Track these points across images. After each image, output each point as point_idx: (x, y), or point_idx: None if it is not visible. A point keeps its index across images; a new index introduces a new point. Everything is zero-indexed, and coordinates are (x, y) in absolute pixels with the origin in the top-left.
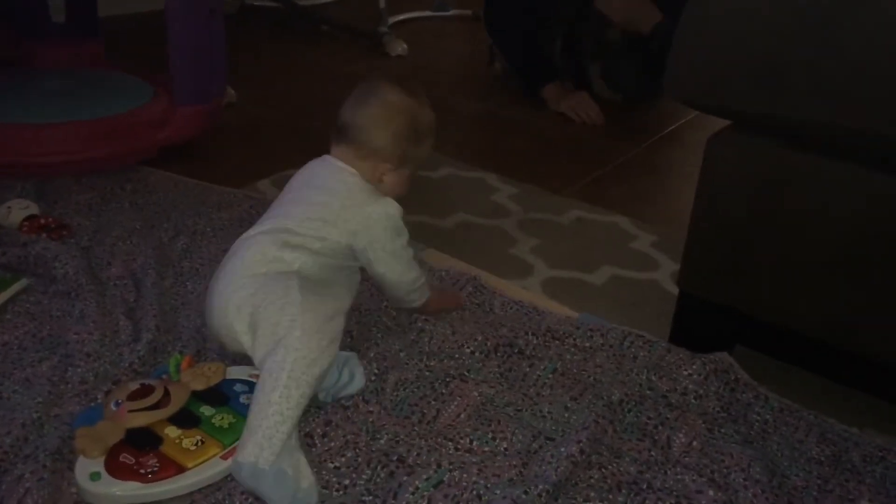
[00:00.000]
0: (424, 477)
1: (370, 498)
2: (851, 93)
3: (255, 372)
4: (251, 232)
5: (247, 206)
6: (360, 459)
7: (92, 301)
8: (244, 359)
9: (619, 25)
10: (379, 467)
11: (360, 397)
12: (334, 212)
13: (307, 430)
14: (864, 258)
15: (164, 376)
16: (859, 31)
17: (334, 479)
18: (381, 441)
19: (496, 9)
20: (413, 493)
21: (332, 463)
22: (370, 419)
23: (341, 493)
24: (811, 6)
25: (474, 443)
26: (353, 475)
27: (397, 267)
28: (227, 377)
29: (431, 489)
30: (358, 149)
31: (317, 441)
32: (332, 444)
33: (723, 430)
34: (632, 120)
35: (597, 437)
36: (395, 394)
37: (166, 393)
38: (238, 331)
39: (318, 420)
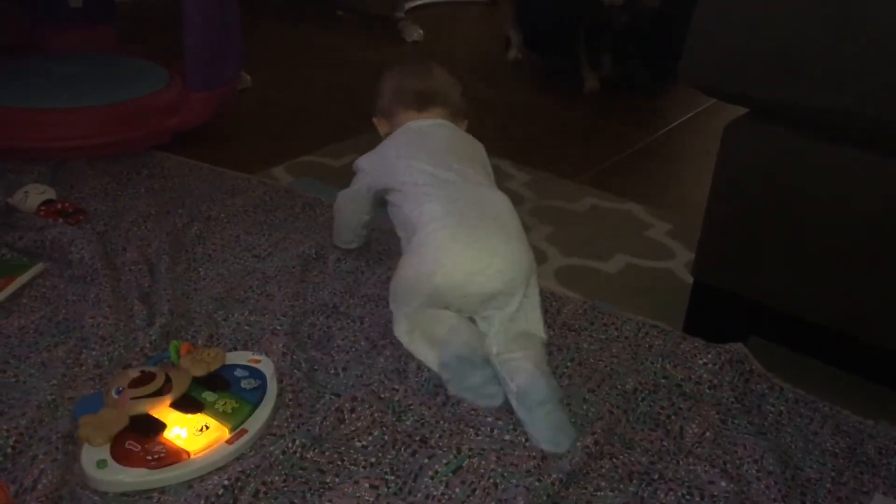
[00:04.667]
0: (444, 462)
1: (392, 477)
2: (870, 80)
3: (255, 357)
4: (472, 187)
5: (260, 192)
6: (386, 438)
7: (107, 286)
8: (255, 342)
9: None
10: (402, 448)
11: (384, 375)
12: (484, 157)
13: (336, 405)
14: (880, 248)
15: (166, 360)
16: (878, 17)
17: (361, 458)
18: (407, 422)
19: None
20: (432, 478)
21: (360, 441)
22: (396, 397)
23: (367, 469)
24: None
25: (495, 431)
26: (380, 454)
27: None
28: (227, 363)
29: (450, 474)
30: (449, 108)
31: (346, 416)
32: (360, 422)
33: (736, 421)
34: (647, 107)
35: (611, 428)
36: (419, 375)
37: (167, 379)
38: (518, 286)
39: (346, 396)
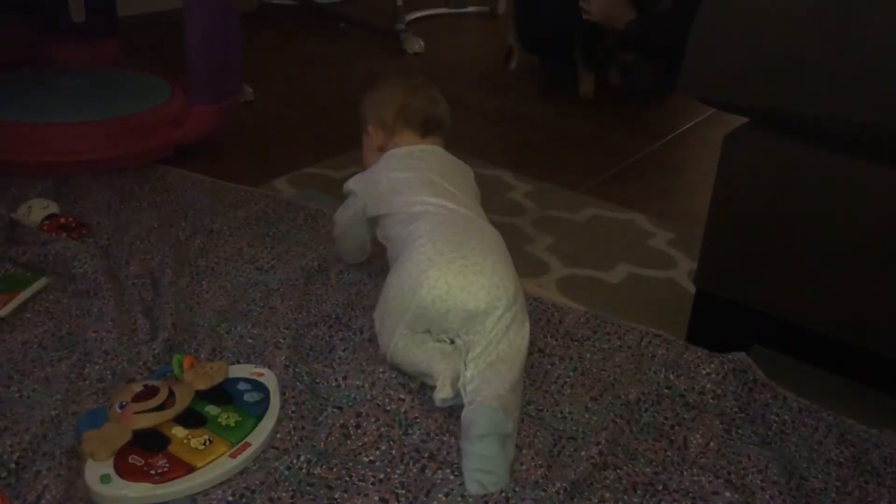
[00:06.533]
0: (459, 482)
1: (403, 492)
2: (869, 89)
3: (258, 370)
4: (463, 210)
5: (263, 204)
6: (394, 453)
7: (110, 300)
8: (257, 355)
9: (598, 21)
10: (411, 463)
11: (389, 386)
12: (473, 183)
13: (341, 420)
14: (882, 256)
15: (169, 374)
16: (877, 26)
17: (370, 473)
18: (414, 436)
19: None
20: (447, 495)
21: (368, 457)
22: (402, 409)
23: (376, 485)
24: (828, 1)
25: None
26: (388, 469)
27: None
28: (230, 376)
29: (465, 493)
30: (444, 136)
31: (351, 432)
32: (366, 437)
33: (740, 431)
34: (648, 117)
35: (614, 438)
36: (423, 386)
37: (171, 393)
38: (498, 309)
39: (350, 411)
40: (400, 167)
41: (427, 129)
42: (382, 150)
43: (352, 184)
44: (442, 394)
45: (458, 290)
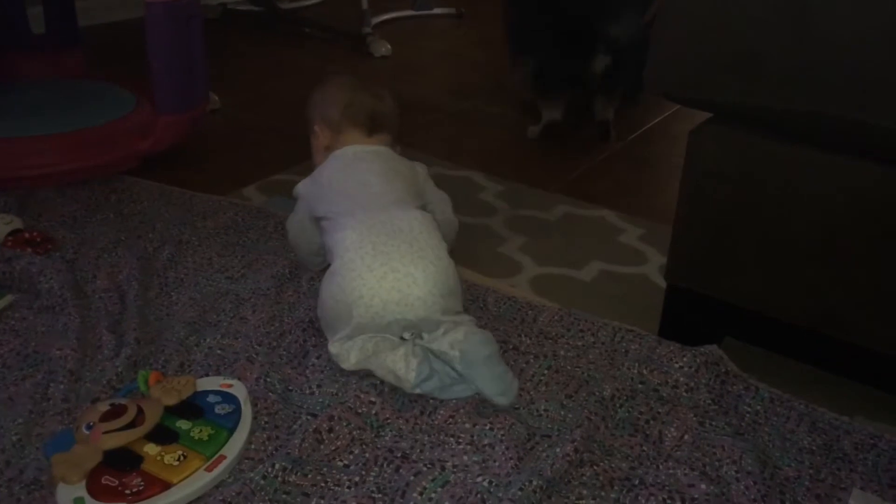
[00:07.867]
0: (430, 478)
1: (380, 495)
2: (828, 81)
3: (227, 381)
4: (395, 212)
5: (232, 213)
6: (367, 455)
7: (76, 315)
8: (227, 366)
9: None
10: (385, 464)
11: (360, 389)
12: (417, 183)
13: (314, 425)
14: (847, 246)
15: (135, 391)
16: (834, 19)
17: (345, 478)
18: (386, 437)
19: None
20: (421, 494)
21: (342, 461)
22: (373, 411)
23: (352, 489)
24: None
25: (474, 437)
26: (363, 472)
27: (450, 208)
28: (198, 389)
29: (438, 489)
30: (392, 134)
31: (324, 437)
32: (340, 441)
33: (714, 423)
34: (616, 113)
35: (590, 435)
36: (395, 387)
37: (139, 411)
38: (435, 315)
39: (322, 416)
40: (340, 168)
41: (373, 126)
42: (330, 149)
43: (299, 187)
44: (412, 375)
45: (394, 304)
